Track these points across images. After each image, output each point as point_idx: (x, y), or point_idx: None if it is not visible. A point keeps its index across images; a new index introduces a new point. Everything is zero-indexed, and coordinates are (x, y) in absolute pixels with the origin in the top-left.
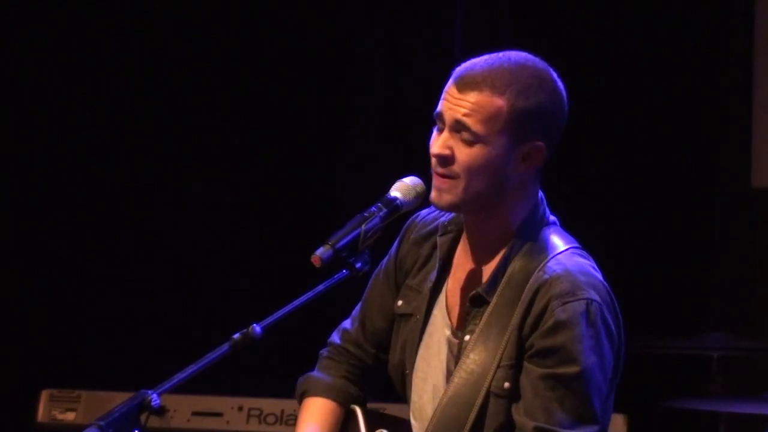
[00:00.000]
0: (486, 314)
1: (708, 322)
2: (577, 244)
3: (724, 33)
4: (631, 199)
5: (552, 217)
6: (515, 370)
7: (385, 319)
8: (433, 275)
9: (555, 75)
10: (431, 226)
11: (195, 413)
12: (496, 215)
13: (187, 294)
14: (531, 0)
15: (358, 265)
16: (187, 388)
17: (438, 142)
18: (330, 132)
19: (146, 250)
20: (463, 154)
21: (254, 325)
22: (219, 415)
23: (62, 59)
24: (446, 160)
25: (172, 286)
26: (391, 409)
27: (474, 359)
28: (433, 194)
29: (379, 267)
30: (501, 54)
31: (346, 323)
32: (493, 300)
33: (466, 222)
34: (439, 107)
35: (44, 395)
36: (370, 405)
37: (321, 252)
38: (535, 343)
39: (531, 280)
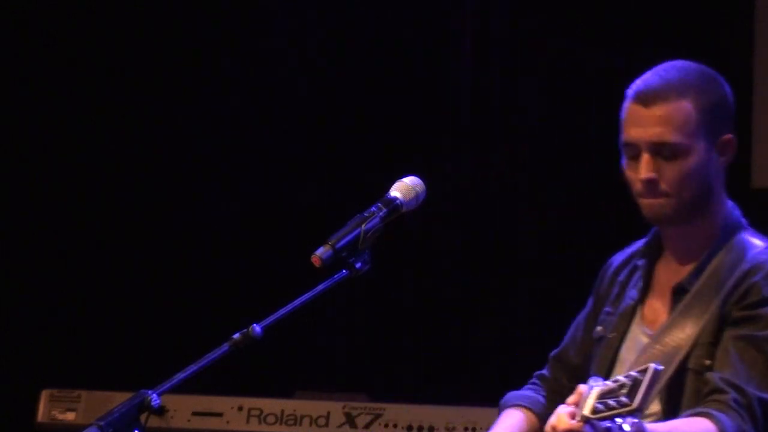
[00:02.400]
0: (685, 300)
1: None
2: None
3: (724, 33)
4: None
5: (747, 223)
6: (716, 347)
7: (578, 355)
8: (634, 293)
9: (715, 71)
10: (626, 255)
11: (195, 413)
12: (702, 219)
13: (187, 294)
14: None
15: (358, 265)
16: (187, 388)
17: (643, 168)
18: (331, 132)
19: (146, 250)
20: (669, 170)
21: (254, 325)
22: (219, 415)
23: (60, 61)
24: (654, 183)
25: (172, 286)
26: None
27: (670, 335)
28: (646, 212)
29: (580, 313)
30: (664, 65)
31: (547, 364)
32: (694, 288)
33: (671, 234)
34: (628, 135)
35: (44, 395)
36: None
37: (321, 252)
38: (735, 314)
39: (736, 270)
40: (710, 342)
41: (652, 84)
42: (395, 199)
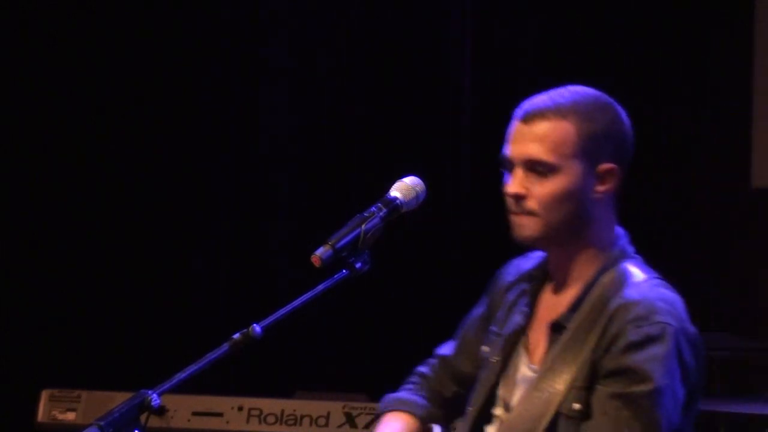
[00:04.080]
0: (563, 340)
1: (708, 322)
2: (657, 276)
3: (724, 33)
4: (630, 200)
5: (634, 253)
6: (587, 392)
7: (471, 365)
8: (517, 319)
9: (614, 102)
10: (518, 273)
11: (195, 413)
12: (579, 246)
13: (187, 294)
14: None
15: (358, 265)
16: (187, 388)
17: (513, 182)
18: (331, 131)
19: (146, 250)
20: (539, 189)
21: (254, 325)
22: (219, 415)
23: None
24: (522, 199)
25: (172, 286)
26: None
27: (546, 380)
28: (515, 231)
29: (473, 312)
30: (559, 88)
31: (432, 360)
32: (572, 326)
33: (551, 258)
34: (506, 150)
35: (44, 395)
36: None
37: (321, 252)
38: (606, 365)
39: (609, 306)
40: (582, 386)
41: (537, 103)
42: (395, 199)
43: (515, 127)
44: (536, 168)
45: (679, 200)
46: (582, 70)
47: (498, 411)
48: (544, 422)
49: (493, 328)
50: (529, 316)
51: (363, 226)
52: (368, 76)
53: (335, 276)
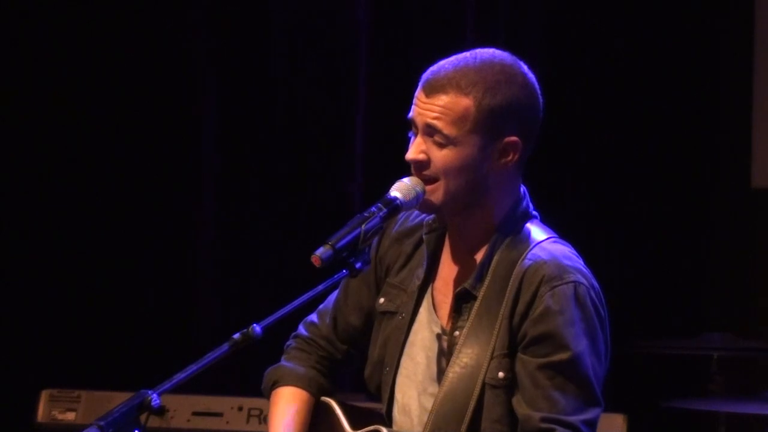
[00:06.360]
0: (475, 308)
1: (707, 322)
2: (556, 235)
3: (724, 33)
4: (631, 200)
5: (534, 212)
6: (509, 359)
7: (360, 317)
8: (420, 273)
9: (525, 68)
10: (414, 223)
11: (195, 413)
12: (478, 213)
13: (187, 294)
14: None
15: (358, 265)
16: (187, 388)
17: (412, 148)
18: (332, 132)
19: (146, 250)
20: (438, 156)
21: (254, 325)
22: (219, 415)
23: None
24: (421, 165)
25: (172, 286)
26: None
27: (467, 353)
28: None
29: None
30: (468, 53)
31: (313, 317)
32: (481, 294)
33: (449, 222)
34: (410, 112)
35: (44, 395)
36: (379, 404)
37: (321, 252)
38: (528, 332)
39: (516, 269)
40: (503, 354)
41: (440, 74)
42: (395, 199)
43: (419, 95)
44: (435, 136)
45: (678, 200)
46: (581, 69)
47: (404, 370)
48: (474, 397)
49: (391, 280)
50: (432, 271)
51: (363, 226)
52: (368, 76)
53: (335, 276)
